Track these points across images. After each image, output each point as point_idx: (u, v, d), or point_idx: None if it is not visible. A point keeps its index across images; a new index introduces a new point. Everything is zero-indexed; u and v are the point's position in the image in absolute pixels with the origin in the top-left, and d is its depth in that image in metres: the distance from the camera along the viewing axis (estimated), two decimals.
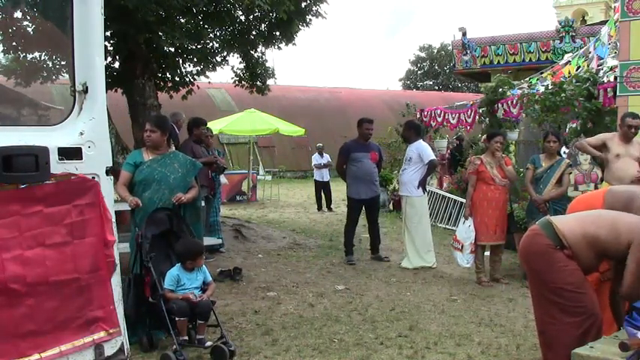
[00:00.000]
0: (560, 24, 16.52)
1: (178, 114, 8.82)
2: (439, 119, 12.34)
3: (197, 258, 4.42)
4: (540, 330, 3.67)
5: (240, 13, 9.21)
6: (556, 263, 3.43)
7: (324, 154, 14.59)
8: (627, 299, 3.35)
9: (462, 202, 9.84)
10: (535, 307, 3.72)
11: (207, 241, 6.98)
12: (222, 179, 10.11)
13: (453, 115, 12.03)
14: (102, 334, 3.15)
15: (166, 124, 4.97)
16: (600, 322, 3.44)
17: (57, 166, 2.95)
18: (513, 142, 11.47)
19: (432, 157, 7.67)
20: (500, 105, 10.39)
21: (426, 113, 12.70)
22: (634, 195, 3.79)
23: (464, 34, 17.52)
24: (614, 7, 12.08)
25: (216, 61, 10.10)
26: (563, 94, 8.34)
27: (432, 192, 11.07)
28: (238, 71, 10.61)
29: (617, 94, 8.06)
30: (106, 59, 7.98)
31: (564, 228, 3.47)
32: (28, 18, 7.42)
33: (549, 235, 3.48)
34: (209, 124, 8.71)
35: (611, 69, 9.28)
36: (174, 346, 4.12)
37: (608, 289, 3.73)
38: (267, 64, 10.62)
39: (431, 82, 49.12)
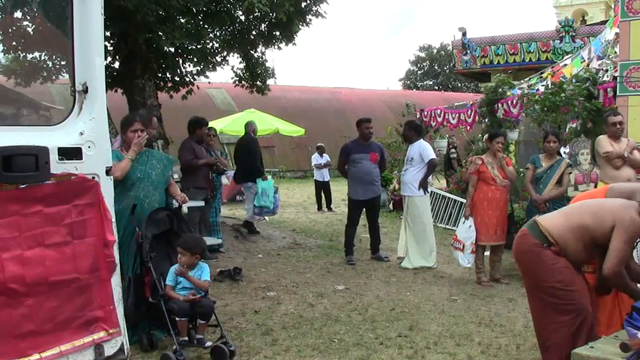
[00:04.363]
0: (560, 24, 16.55)
1: (254, 123, 10.00)
2: (439, 119, 12.34)
3: (188, 251, 4.34)
4: (537, 330, 3.72)
5: (240, 13, 9.22)
6: (545, 262, 3.48)
7: (324, 154, 14.57)
8: (610, 278, 3.35)
9: (462, 202, 9.84)
10: (531, 308, 3.77)
11: (208, 241, 6.98)
12: (224, 180, 10.16)
13: (453, 115, 12.03)
14: (102, 334, 3.15)
15: (148, 120, 5.11)
16: (592, 319, 3.46)
17: (57, 166, 2.95)
18: (513, 142, 11.47)
19: (433, 156, 7.67)
20: (500, 105, 10.39)
21: (426, 113, 12.70)
22: (636, 190, 3.81)
23: (464, 34, 17.54)
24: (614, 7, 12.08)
25: (216, 61, 10.13)
26: (563, 94, 8.34)
27: (432, 192, 11.06)
28: (238, 71, 10.63)
29: (617, 94, 8.06)
30: (106, 59, 7.99)
31: (548, 225, 3.52)
32: (28, 18, 7.43)
33: (535, 234, 3.54)
34: (209, 124, 8.74)
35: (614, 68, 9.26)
36: (174, 346, 4.12)
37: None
38: (267, 64, 10.67)
39: (431, 82, 49.13)
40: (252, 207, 9.45)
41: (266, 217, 9.73)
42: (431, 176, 9.64)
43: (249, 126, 9.94)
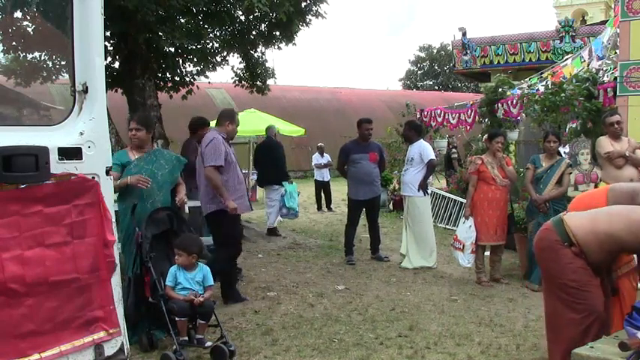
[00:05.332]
0: (560, 24, 16.55)
1: (274, 127, 10.29)
2: (439, 119, 12.33)
3: (184, 251, 4.35)
4: (548, 323, 3.74)
5: (240, 13, 9.22)
6: (562, 259, 3.47)
7: (325, 154, 14.57)
8: None
9: (462, 202, 9.83)
10: (545, 301, 3.80)
11: (208, 241, 6.98)
12: None
13: (453, 115, 12.02)
14: (102, 334, 3.14)
15: (151, 122, 5.08)
16: (603, 321, 3.46)
17: (57, 166, 2.95)
18: (513, 142, 11.47)
19: (432, 156, 7.66)
20: (500, 105, 10.38)
21: (426, 113, 12.69)
22: (638, 190, 3.81)
23: (464, 34, 17.55)
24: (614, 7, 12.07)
25: (216, 61, 10.13)
26: (563, 94, 8.33)
27: (432, 192, 11.05)
28: (238, 71, 10.63)
29: (617, 94, 8.06)
30: (106, 59, 7.99)
31: (574, 225, 3.49)
32: (28, 18, 7.43)
33: (559, 231, 3.52)
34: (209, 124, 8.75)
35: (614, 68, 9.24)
36: (174, 346, 4.13)
37: (624, 285, 3.81)
38: (267, 64, 10.66)
39: (431, 82, 49.12)
40: (275, 210, 9.55)
41: (281, 219, 9.86)
42: (431, 176, 9.64)
43: (271, 130, 10.12)
